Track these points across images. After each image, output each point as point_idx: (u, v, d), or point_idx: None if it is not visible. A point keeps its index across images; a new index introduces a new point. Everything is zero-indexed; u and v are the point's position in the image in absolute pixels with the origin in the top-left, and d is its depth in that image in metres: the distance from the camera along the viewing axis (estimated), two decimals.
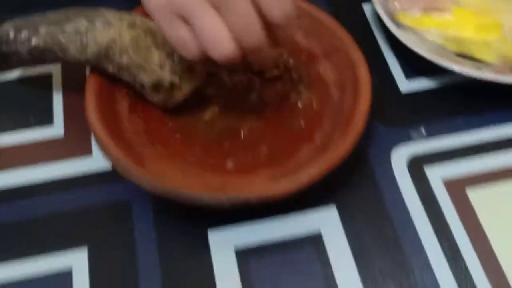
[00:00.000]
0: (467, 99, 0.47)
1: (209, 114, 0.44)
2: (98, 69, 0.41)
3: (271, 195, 0.36)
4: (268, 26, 0.35)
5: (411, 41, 0.44)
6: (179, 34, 0.35)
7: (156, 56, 0.40)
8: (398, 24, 0.45)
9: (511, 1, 0.47)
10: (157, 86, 0.40)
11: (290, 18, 0.35)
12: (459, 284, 0.38)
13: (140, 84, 0.40)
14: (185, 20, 0.35)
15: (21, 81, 0.48)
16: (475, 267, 0.38)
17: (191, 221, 0.40)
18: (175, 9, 0.34)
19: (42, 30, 0.39)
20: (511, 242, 0.39)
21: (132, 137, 0.41)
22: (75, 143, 0.44)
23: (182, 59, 0.40)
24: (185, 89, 0.41)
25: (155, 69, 0.40)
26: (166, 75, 0.40)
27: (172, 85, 0.41)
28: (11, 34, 0.39)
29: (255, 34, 0.34)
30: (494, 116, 0.46)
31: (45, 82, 0.47)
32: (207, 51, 0.35)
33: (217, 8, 0.34)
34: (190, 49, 0.35)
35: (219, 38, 0.34)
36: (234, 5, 0.33)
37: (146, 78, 0.40)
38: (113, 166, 0.38)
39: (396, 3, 0.46)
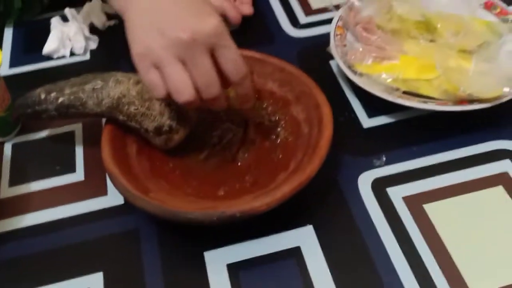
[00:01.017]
0: (418, 131, 0.55)
1: (204, 154, 0.52)
2: (111, 119, 0.50)
3: (252, 208, 0.43)
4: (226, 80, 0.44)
5: (366, 84, 0.52)
6: (151, 77, 0.43)
7: (157, 105, 0.48)
8: (356, 72, 0.54)
9: (441, 46, 0.56)
10: (158, 130, 0.49)
11: (245, 77, 0.44)
12: (420, 284, 0.44)
13: (144, 129, 0.49)
14: (157, 67, 0.43)
15: (49, 138, 0.57)
16: (433, 268, 0.45)
17: (190, 244, 0.48)
18: (150, 58, 0.42)
19: (67, 90, 0.48)
20: (462, 244, 0.46)
21: (139, 173, 0.49)
22: (93, 186, 0.52)
23: (178, 108, 0.49)
24: (181, 132, 0.50)
25: (157, 116, 0.48)
26: (166, 121, 0.48)
27: (170, 129, 0.49)
28: (43, 96, 0.49)
29: (212, 88, 0.43)
30: (441, 144, 0.53)
31: (68, 138, 0.57)
32: (172, 94, 0.43)
33: (183, 62, 0.42)
34: (159, 91, 0.43)
35: (182, 86, 0.42)
36: (196, 62, 0.41)
37: (149, 124, 0.48)
38: (123, 195, 0.46)
39: (352, 56, 0.55)
